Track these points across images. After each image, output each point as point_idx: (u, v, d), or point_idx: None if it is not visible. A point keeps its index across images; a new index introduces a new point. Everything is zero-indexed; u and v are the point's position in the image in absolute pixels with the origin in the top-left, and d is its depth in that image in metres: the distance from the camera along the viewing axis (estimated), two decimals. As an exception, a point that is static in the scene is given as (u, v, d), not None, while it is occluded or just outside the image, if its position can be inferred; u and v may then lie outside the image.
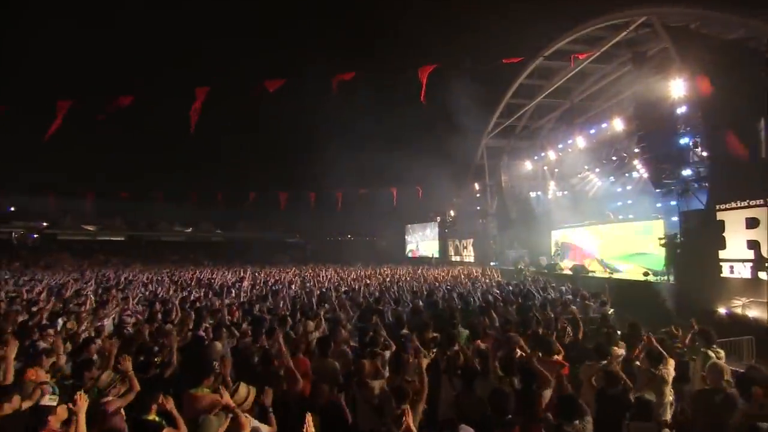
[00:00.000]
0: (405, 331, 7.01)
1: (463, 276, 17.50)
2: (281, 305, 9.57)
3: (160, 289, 13.20)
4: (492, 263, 25.80)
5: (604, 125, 17.53)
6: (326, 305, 9.51)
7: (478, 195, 29.27)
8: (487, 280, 15.30)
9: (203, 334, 6.69)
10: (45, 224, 44.68)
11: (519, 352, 5.58)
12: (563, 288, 12.07)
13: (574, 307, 9.55)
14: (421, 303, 10.04)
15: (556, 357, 5.39)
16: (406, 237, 42.20)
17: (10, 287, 14.21)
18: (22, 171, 40.55)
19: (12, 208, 44.72)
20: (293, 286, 14.44)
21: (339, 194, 24.07)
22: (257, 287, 13.48)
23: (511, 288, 12.60)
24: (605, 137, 17.69)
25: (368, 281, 15.55)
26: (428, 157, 30.59)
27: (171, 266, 30.28)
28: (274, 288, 12.45)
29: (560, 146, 20.47)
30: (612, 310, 9.86)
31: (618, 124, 16.19)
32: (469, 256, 31.84)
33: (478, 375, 4.77)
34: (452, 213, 35.21)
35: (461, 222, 33.49)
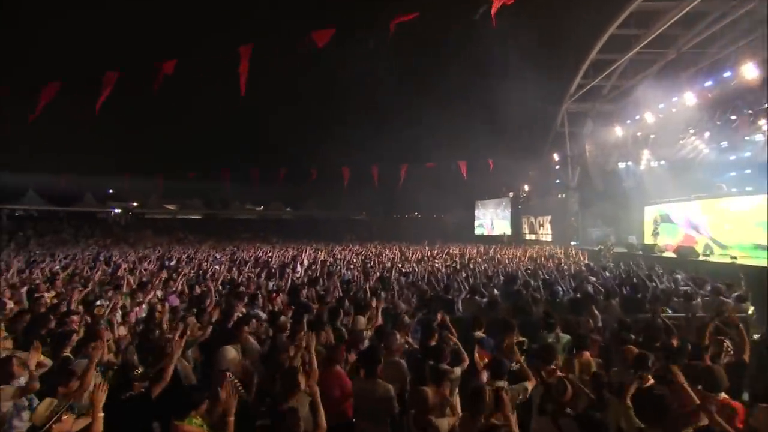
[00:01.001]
0: (481, 333, 5.33)
1: (542, 258, 15.27)
2: (332, 291, 8.24)
3: (219, 268, 12.50)
4: (572, 243, 22.99)
5: (726, 74, 14.11)
6: (383, 294, 8.02)
7: (557, 167, 26.17)
8: (575, 263, 13.02)
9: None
10: (135, 204, 47.79)
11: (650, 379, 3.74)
12: (678, 276, 9.60)
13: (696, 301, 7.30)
14: (497, 292, 8.26)
15: (722, 395, 3.46)
16: (475, 214, 39.68)
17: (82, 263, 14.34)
18: (116, 154, 43.43)
19: (110, 190, 48.32)
20: (352, 267, 13.20)
21: (403, 168, 22.34)
22: (313, 267, 12.35)
23: (607, 274, 10.34)
24: (726, 91, 14.27)
25: (436, 263, 13.92)
26: (501, 127, 27.95)
27: (241, 243, 30.74)
28: (330, 269, 11.22)
29: (661, 106, 17.08)
30: (753, 308, 7.48)
31: (749, 71, 12.79)
32: (545, 234, 28.98)
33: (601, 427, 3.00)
34: (527, 188, 32.24)
35: (537, 197, 30.52)
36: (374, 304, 6.23)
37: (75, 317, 6.02)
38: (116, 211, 46.62)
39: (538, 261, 14.03)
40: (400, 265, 13.25)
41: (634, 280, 9.11)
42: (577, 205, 24.72)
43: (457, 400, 3.87)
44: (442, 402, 3.51)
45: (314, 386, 3.47)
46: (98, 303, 7.14)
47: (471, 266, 11.94)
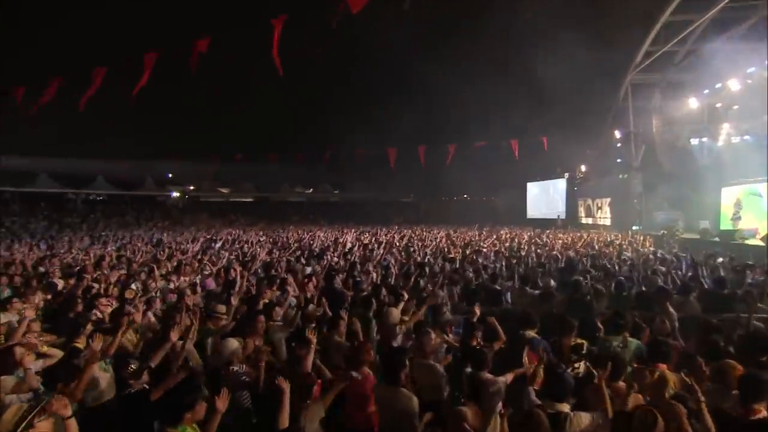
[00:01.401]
0: (532, 333, 4.56)
1: (601, 244, 13.94)
2: (369, 277, 7.67)
3: (259, 251, 12.33)
4: (633, 227, 21.11)
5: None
6: (423, 282, 7.35)
7: (618, 145, 24.03)
8: (640, 250, 11.69)
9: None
10: (191, 188, 49.79)
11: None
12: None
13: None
14: (552, 282, 7.35)
15: None
16: (527, 196, 37.74)
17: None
18: (173, 140, 45.28)
19: (170, 175, 50.66)
20: (395, 251, 12.62)
21: (451, 149, 21.27)
22: (354, 252, 11.87)
23: (682, 263, 9.06)
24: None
25: (483, 248, 13.04)
26: (556, 103, 26.04)
27: (290, 226, 31.10)
28: (370, 253, 10.69)
29: (751, 70, 14.86)
30: None
31: None
32: (604, 218, 26.95)
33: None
34: (583, 168, 30.05)
35: (596, 178, 28.36)
36: (406, 295, 5.55)
37: (103, 300, 5.86)
38: (174, 194, 48.78)
39: (597, 247, 12.75)
40: (445, 250, 12.51)
41: (721, 272, 7.82)
42: (640, 186, 22.63)
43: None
44: (483, 424, 2.83)
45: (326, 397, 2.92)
46: (132, 287, 7.02)
47: (522, 252, 10.97)
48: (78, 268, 8.92)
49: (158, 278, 7.73)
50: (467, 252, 11.46)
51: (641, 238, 15.26)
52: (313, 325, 4.19)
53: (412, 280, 7.48)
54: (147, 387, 3.33)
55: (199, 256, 10.72)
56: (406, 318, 5.26)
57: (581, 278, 7.15)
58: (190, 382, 3.08)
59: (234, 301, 5.44)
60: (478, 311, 4.93)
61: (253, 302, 5.54)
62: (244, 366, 3.90)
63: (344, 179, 53.35)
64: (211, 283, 7.92)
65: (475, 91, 30.33)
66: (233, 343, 3.95)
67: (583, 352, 4.23)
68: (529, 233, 18.81)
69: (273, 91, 38.27)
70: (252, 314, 4.57)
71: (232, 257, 10.98)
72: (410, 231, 21.84)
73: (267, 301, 5.88)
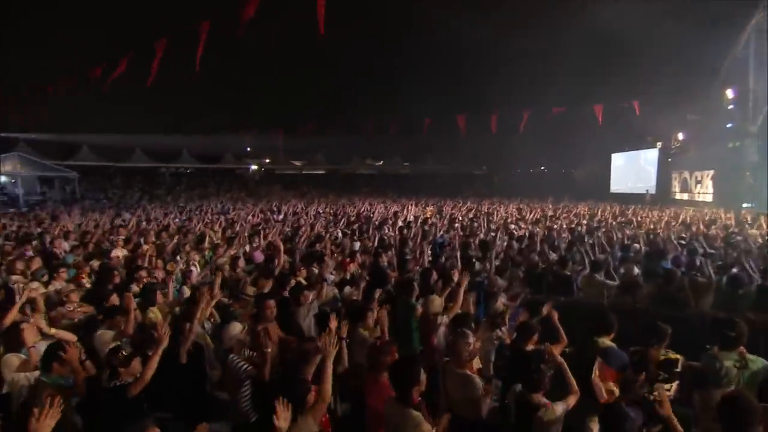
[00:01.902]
0: (607, 341, 3.56)
1: (700, 223, 11.86)
2: (419, 257, 6.93)
3: (304, 224, 11.94)
4: (744, 205, 18.00)
5: None
6: (479, 265, 6.46)
7: (730, 107, 20.41)
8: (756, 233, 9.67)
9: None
10: (267, 161, 51.73)
11: None
12: None
13: None
14: (636, 270, 6.10)
15: None
16: (611, 168, 34.12)
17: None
18: (250, 113, 47.07)
19: (248, 149, 53.03)
20: (456, 227, 11.69)
21: (526, 115, 19.40)
22: (411, 226, 11.11)
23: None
24: None
25: (555, 225, 11.68)
26: (649, 61, 22.71)
27: (359, 198, 31.02)
28: (426, 229, 9.88)
29: None
30: None
31: None
32: (703, 194, 23.47)
33: None
34: (681, 136, 26.22)
35: (696, 147, 24.63)
36: (456, 278, 4.72)
37: (143, 273, 5.76)
38: (253, 167, 50.95)
39: (695, 228, 10.78)
40: (513, 227, 11.34)
41: None
42: (756, 155, 19.14)
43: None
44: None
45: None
46: (178, 258, 6.95)
47: (601, 232, 9.52)
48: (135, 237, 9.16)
49: (207, 249, 7.64)
50: (537, 229, 10.22)
51: (759, 218, 12.81)
52: (334, 313, 3.59)
53: (467, 261, 6.60)
54: (130, 381, 2.94)
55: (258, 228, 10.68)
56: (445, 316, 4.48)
57: (674, 267, 5.83)
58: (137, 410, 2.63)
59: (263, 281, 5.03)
60: (545, 311, 4.00)
61: (282, 282, 5.08)
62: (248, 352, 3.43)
63: (415, 151, 52.31)
64: (260, 256, 7.67)
65: (551, 50, 27.42)
66: (235, 328, 3.53)
67: (677, 369, 3.22)
68: (612, 209, 16.76)
69: (345, 63, 37.89)
70: (262, 297, 4.07)
71: (286, 229, 10.79)
72: (478, 205, 20.59)
73: (301, 280, 5.42)
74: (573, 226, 11.46)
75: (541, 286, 5.93)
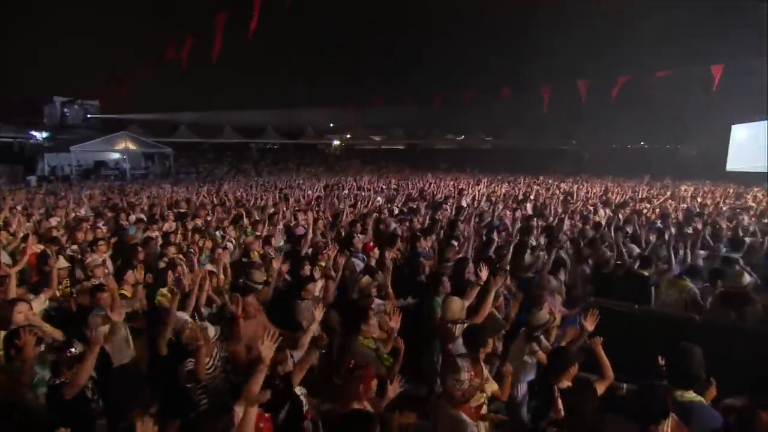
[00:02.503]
0: (690, 395, 2.47)
1: None
2: (463, 243, 5.97)
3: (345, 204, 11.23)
4: None
5: None
6: (530, 257, 5.38)
7: None
8: None
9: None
10: (348, 136, 52.10)
11: None
12: None
13: None
14: (748, 279, 4.61)
15: None
16: (730, 142, 28.91)
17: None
18: (330, 88, 47.63)
19: (331, 124, 53.85)
20: (527, 206, 10.35)
21: (619, 81, 16.77)
22: (473, 206, 9.97)
23: None
24: None
25: (645, 208, 9.86)
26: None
27: (437, 174, 29.89)
28: (483, 212, 8.75)
29: None
30: None
31: None
32: None
33: None
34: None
35: None
36: (483, 275, 3.77)
37: (171, 248, 5.61)
38: (335, 143, 51.60)
39: None
40: (591, 209, 9.75)
41: None
42: None
43: None
44: None
45: None
46: (216, 233, 6.77)
47: (706, 219, 7.69)
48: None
49: (247, 226, 7.40)
50: (620, 215, 8.59)
51: None
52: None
53: (520, 250, 5.54)
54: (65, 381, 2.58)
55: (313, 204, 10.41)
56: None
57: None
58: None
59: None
60: (587, 328, 2.98)
61: (298, 266, 4.54)
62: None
63: (498, 125, 49.30)
64: (301, 232, 7.27)
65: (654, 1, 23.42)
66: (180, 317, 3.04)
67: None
68: (725, 191, 13.99)
69: (422, 35, 36.37)
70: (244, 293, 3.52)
71: (341, 207, 10.35)
72: (560, 183, 18.56)
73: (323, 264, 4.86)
74: (668, 211, 9.54)
75: (611, 290, 4.73)
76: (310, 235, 5.90)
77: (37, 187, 19.41)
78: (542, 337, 3.40)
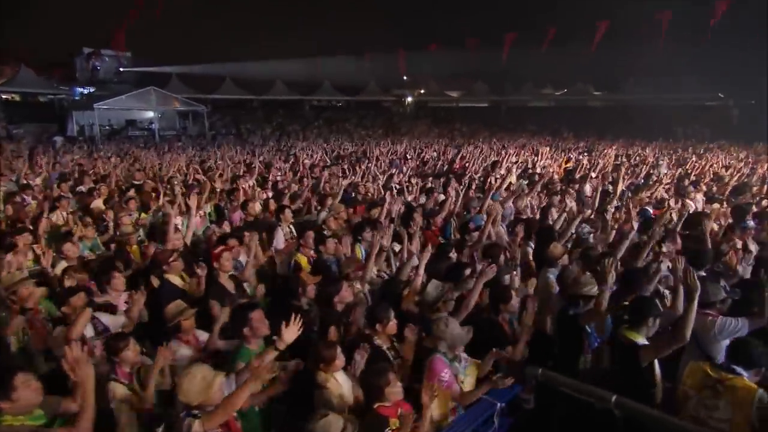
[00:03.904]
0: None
1: None
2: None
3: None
4: None
5: None
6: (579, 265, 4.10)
7: None
8: None
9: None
10: (422, 91, 49.94)
11: None
12: None
13: None
14: None
15: None
16: None
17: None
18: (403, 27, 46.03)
19: (405, 77, 52.00)
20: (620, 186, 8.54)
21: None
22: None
23: None
24: None
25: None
26: None
27: (522, 137, 27.54)
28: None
29: None
30: None
31: None
32: None
33: None
34: None
35: None
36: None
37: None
38: (409, 99, 49.60)
39: None
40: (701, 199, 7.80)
41: None
42: None
43: None
44: None
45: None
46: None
47: None
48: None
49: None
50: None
51: None
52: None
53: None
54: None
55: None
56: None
57: None
58: None
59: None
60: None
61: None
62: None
63: (611, 77, 44.22)
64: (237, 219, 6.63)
65: None
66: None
67: None
68: None
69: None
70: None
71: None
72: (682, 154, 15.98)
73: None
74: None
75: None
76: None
77: (63, 147, 20.32)
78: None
